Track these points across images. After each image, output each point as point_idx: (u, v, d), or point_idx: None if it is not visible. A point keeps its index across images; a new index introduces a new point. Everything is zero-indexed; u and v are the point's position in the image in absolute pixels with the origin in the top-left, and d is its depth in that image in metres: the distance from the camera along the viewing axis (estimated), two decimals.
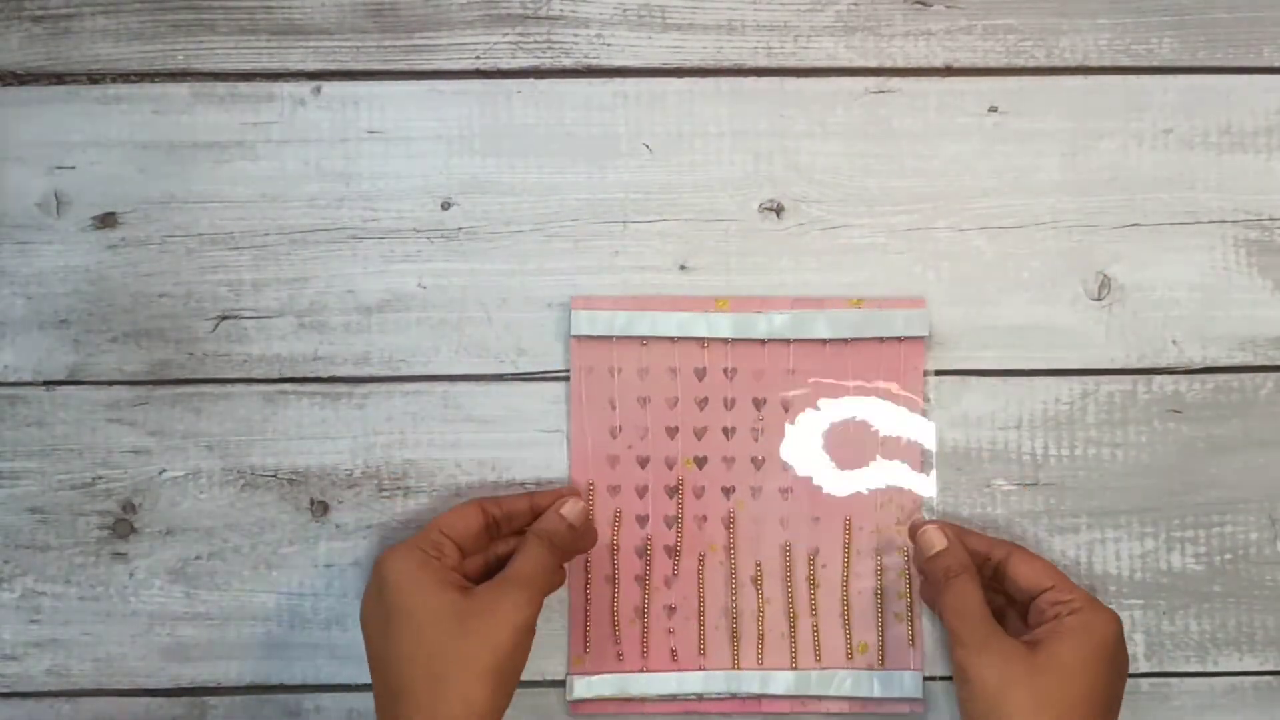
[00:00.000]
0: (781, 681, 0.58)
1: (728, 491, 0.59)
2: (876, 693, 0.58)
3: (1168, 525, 0.60)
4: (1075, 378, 0.60)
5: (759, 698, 0.59)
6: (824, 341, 0.59)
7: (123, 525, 0.59)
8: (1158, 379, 0.60)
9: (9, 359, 0.59)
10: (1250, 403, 0.60)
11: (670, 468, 0.59)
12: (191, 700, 0.59)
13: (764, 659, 0.59)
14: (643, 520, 0.59)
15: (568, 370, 0.59)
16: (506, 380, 0.60)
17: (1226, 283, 0.60)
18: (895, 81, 0.60)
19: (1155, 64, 0.60)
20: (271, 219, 0.60)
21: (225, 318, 0.60)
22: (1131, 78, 0.60)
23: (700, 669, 0.59)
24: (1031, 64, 0.60)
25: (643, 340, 0.59)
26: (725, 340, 0.59)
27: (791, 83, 0.60)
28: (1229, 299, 0.60)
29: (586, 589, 0.59)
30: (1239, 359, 0.60)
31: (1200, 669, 0.60)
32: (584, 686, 0.58)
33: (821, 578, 0.59)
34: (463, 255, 0.60)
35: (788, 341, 0.59)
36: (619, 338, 0.59)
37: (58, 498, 0.59)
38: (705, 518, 0.59)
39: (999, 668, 0.52)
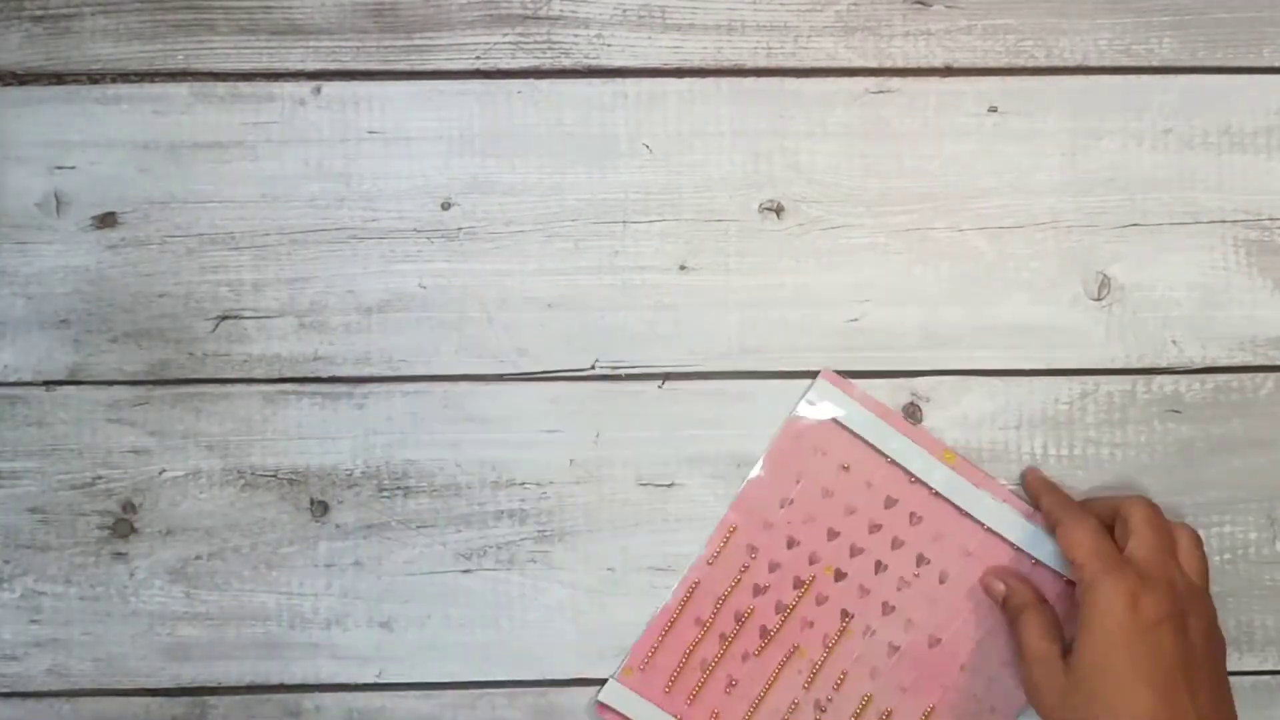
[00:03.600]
0: None
1: (846, 615, 0.59)
2: None
3: None
4: (1075, 378, 0.60)
5: None
6: (1011, 546, 0.58)
7: (123, 525, 0.59)
8: (1158, 379, 0.60)
9: (9, 359, 0.59)
10: (1250, 403, 0.60)
11: (810, 564, 0.59)
12: (191, 700, 0.59)
13: None
14: (759, 590, 0.59)
15: (567, 370, 0.59)
16: (506, 380, 0.60)
17: (1226, 283, 0.60)
18: (895, 81, 0.60)
19: (1155, 64, 0.61)
20: (271, 219, 0.60)
21: (225, 318, 0.60)
22: (1131, 78, 0.61)
23: None
24: (1031, 64, 0.60)
25: (861, 441, 0.59)
26: (931, 489, 0.58)
27: (791, 83, 0.60)
28: (1229, 299, 0.60)
29: (677, 615, 0.59)
30: (1239, 359, 0.60)
31: None
32: (619, 697, 0.58)
33: None
34: (463, 255, 0.60)
35: (984, 526, 0.58)
36: (839, 422, 0.59)
37: (58, 498, 0.59)
38: (813, 624, 0.59)
39: (1057, 694, 0.52)
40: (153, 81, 0.60)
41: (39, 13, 0.60)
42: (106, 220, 0.60)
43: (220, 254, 0.60)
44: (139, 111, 0.60)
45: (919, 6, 0.60)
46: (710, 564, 0.59)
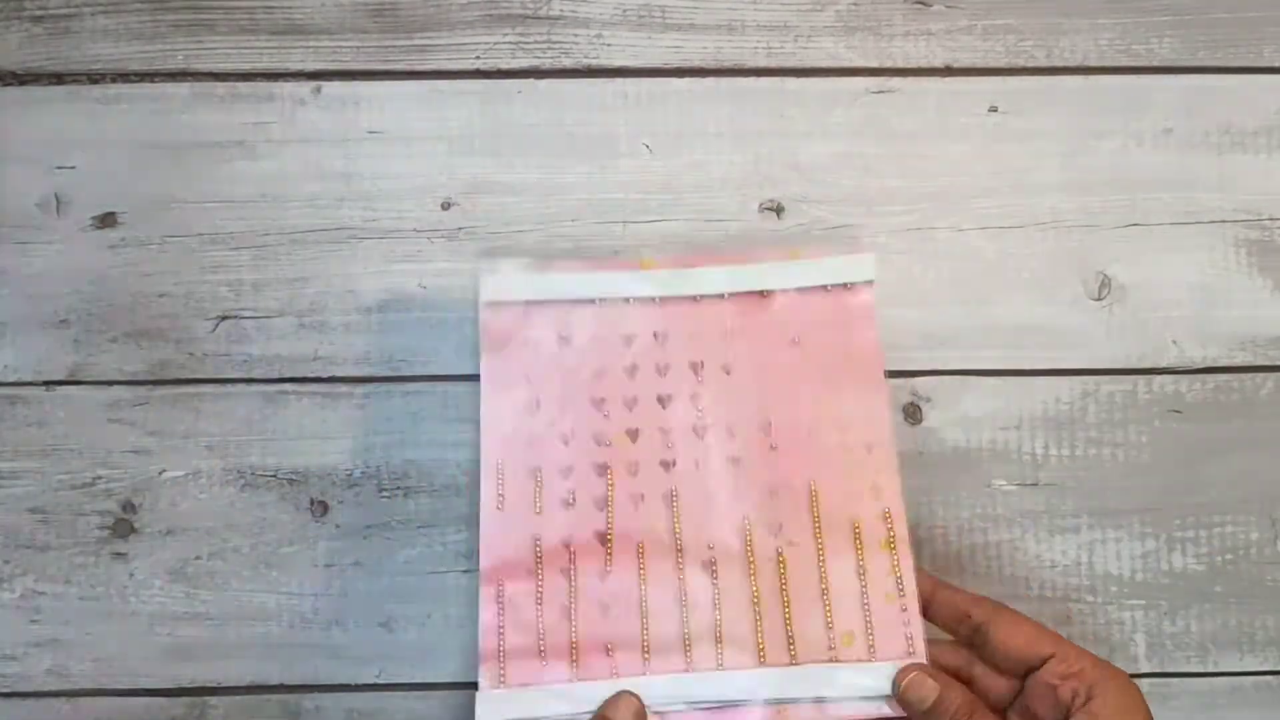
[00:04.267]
0: (748, 684, 0.49)
1: (667, 465, 0.52)
2: (869, 691, 0.49)
3: (1168, 525, 0.60)
4: (1075, 378, 0.60)
5: (720, 705, 0.49)
6: (762, 294, 0.53)
7: (123, 525, 0.59)
8: (1158, 379, 0.60)
9: (9, 359, 0.59)
10: (1250, 403, 0.60)
11: (599, 444, 0.52)
12: (191, 700, 0.59)
13: (724, 660, 0.50)
14: (567, 504, 0.52)
15: None
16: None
17: (1226, 283, 0.60)
18: (895, 81, 0.60)
19: (1155, 64, 0.60)
20: (271, 219, 0.60)
21: (225, 318, 0.60)
22: (1131, 78, 0.60)
23: (644, 674, 0.50)
24: (1031, 64, 0.60)
25: (561, 304, 0.53)
26: (654, 299, 0.53)
27: (791, 83, 0.60)
28: (1229, 299, 0.60)
29: (500, 588, 0.51)
30: (1239, 359, 0.60)
31: (1201, 669, 0.60)
32: (495, 706, 0.49)
33: (790, 556, 0.51)
34: (463, 255, 0.60)
35: (722, 296, 0.53)
36: (533, 302, 0.53)
37: (58, 498, 0.59)
38: (643, 496, 0.52)
39: None
40: (153, 81, 0.60)
41: (39, 13, 0.60)
42: (106, 220, 0.60)
43: (220, 254, 0.60)
44: (139, 111, 0.60)
45: (919, 6, 0.60)
46: (500, 518, 0.52)
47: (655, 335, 0.53)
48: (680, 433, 0.52)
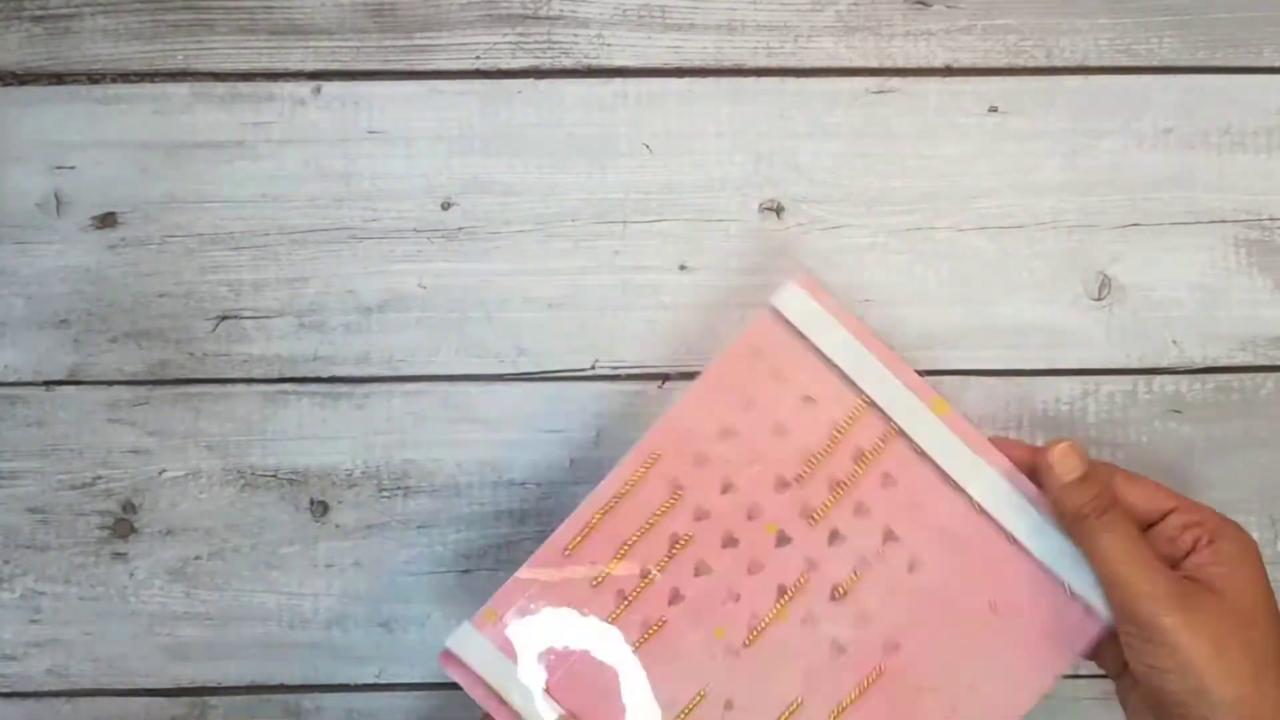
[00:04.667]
0: None
1: (783, 593, 0.47)
2: None
3: None
4: (1075, 378, 0.60)
5: None
6: (1010, 538, 0.46)
7: (123, 525, 0.59)
8: (1158, 379, 0.60)
9: (9, 359, 0.59)
10: (1251, 403, 0.60)
11: (749, 519, 0.47)
12: (191, 700, 0.59)
13: None
14: (677, 542, 0.47)
15: (567, 370, 0.59)
16: (506, 380, 0.60)
17: (1227, 283, 0.60)
18: (895, 81, 0.60)
19: (1155, 64, 0.60)
20: (271, 219, 0.60)
21: (225, 318, 0.60)
22: (1131, 78, 0.60)
23: None
24: (1031, 64, 0.60)
25: (832, 369, 0.47)
26: (915, 448, 0.46)
27: (791, 83, 0.60)
28: (1229, 299, 0.60)
29: (567, 556, 0.47)
30: (1239, 359, 0.60)
31: None
32: (468, 642, 0.47)
33: None
34: (463, 255, 0.60)
35: (971, 501, 0.46)
36: (808, 343, 0.47)
37: (58, 498, 0.59)
38: (739, 598, 0.47)
39: (1211, 626, 0.44)
40: (153, 81, 0.60)
41: (39, 13, 0.60)
42: (106, 220, 0.60)
43: (220, 254, 0.60)
44: (139, 111, 0.60)
45: (919, 6, 0.60)
46: (615, 502, 0.47)
47: (884, 477, 0.47)
48: (820, 578, 0.47)
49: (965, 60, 0.60)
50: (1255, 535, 0.59)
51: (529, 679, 0.47)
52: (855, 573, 0.46)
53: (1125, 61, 0.60)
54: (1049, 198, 0.60)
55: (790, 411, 0.47)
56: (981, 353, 0.60)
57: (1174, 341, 0.60)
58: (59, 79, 0.60)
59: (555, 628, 0.47)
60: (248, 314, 0.60)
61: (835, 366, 0.47)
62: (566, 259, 0.60)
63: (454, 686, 0.59)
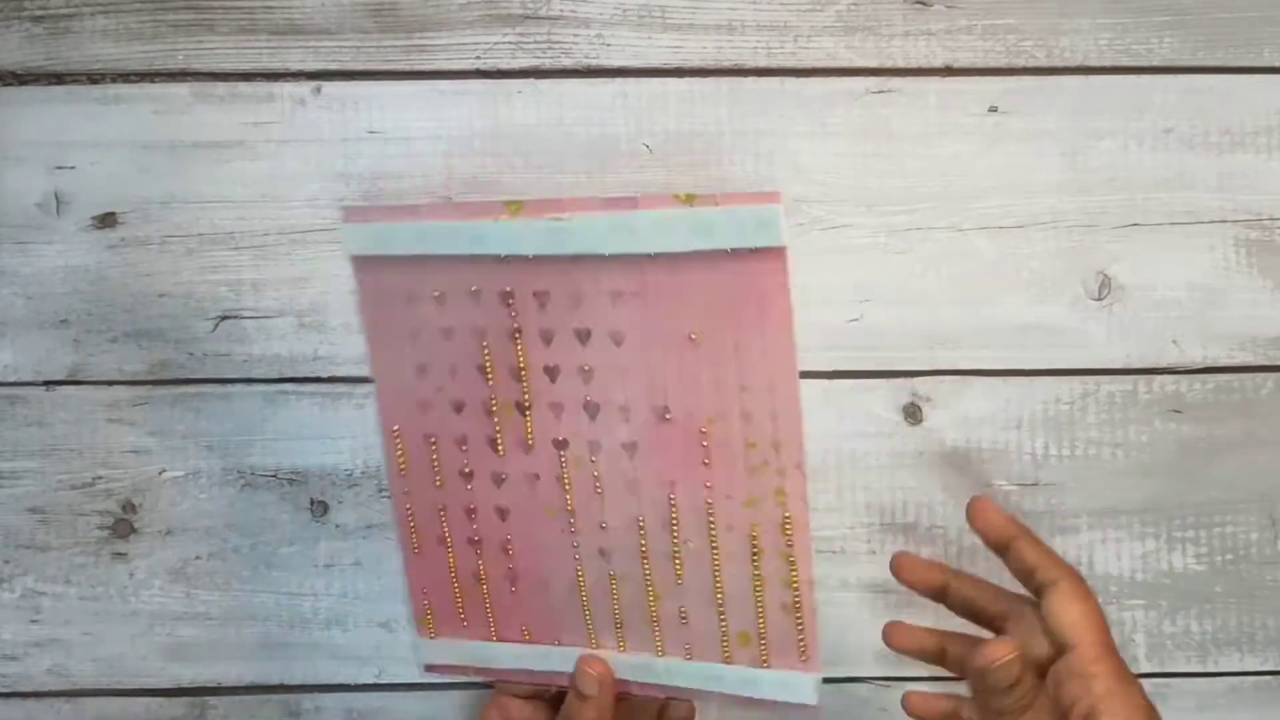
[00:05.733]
0: (649, 670, 0.49)
1: (560, 445, 0.48)
2: (763, 694, 0.48)
3: (1168, 525, 0.60)
4: (1075, 378, 0.60)
5: (635, 683, 0.49)
6: (652, 257, 0.45)
7: (123, 525, 0.59)
8: (1158, 379, 0.60)
9: (9, 359, 0.59)
10: (1250, 403, 0.60)
11: (489, 414, 0.48)
12: (191, 700, 0.59)
13: (625, 643, 0.49)
14: (467, 476, 0.49)
15: None
16: None
17: (1226, 283, 0.60)
18: (895, 81, 0.60)
19: (1155, 64, 0.60)
20: (271, 219, 0.60)
21: (225, 318, 0.60)
22: (1131, 78, 0.60)
23: (557, 644, 0.50)
24: (1031, 64, 0.60)
25: (431, 259, 0.47)
26: (529, 258, 0.46)
27: (791, 83, 0.60)
28: (1229, 299, 0.60)
29: (416, 550, 0.51)
30: (1239, 359, 0.60)
31: (1201, 669, 0.60)
32: (433, 651, 0.51)
33: (684, 556, 0.48)
34: None
35: (604, 257, 0.45)
36: (406, 257, 0.48)
37: (58, 498, 0.59)
38: (538, 476, 0.49)
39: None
40: (153, 81, 0.60)
41: (39, 13, 0.60)
42: (106, 220, 0.60)
43: (220, 254, 0.60)
44: (139, 111, 0.60)
45: (919, 6, 0.60)
46: (406, 484, 0.50)
47: (535, 295, 0.47)
48: (571, 410, 0.48)
49: (965, 60, 0.60)
50: (1255, 535, 0.60)
51: (489, 640, 0.51)
52: (586, 383, 0.47)
53: (1125, 61, 0.60)
54: (1048, 198, 0.60)
55: (439, 313, 0.48)
56: (981, 353, 0.60)
57: (1174, 341, 0.60)
58: (59, 79, 0.60)
59: (461, 604, 0.51)
60: (248, 314, 0.60)
61: (425, 256, 0.47)
62: None
63: (453, 687, 0.59)
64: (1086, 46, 0.60)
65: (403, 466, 0.50)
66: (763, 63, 0.60)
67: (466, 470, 0.49)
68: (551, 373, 0.48)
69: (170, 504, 0.59)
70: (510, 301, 0.47)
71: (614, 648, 0.49)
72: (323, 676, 0.59)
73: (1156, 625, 0.60)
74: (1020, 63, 0.60)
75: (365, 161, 0.60)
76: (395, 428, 0.50)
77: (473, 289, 0.47)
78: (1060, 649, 0.47)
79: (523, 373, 0.48)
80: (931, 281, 0.60)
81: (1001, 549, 0.50)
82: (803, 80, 0.60)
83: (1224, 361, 0.60)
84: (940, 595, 0.51)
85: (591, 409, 0.48)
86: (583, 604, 0.49)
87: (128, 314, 0.60)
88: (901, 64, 0.60)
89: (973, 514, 0.51)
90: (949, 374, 0.60)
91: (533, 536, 0.49)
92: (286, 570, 0.59)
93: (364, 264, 0.48)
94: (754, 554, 0.47)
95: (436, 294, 0.48)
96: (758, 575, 0.47)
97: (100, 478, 0.59)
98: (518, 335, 0.47)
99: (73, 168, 0.60)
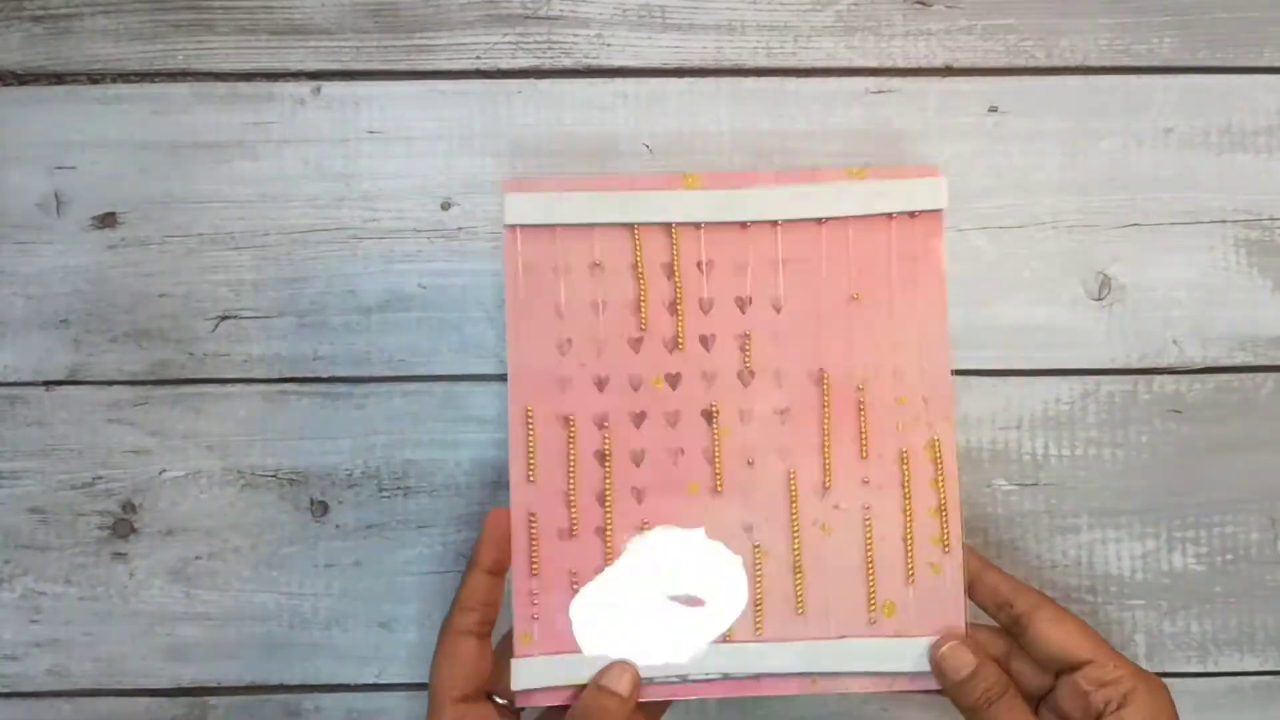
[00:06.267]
0: (785, 658, 0.48)
1: (709, 416, 0.49)
2: (906, 666, 0.48)
3: (1168, 525, 0.60)
4: (1075, 378, 0.60)
5: (757, 677, 0.48)
6: (820, 221, 0.49)
7: (123, 525, 0.59)
8: (1158, 379, 0.60)
9: (9, 359, 0.59)
10: (1251, 403, 0.60)
11: (635, 389, 0.49)
12: (191, 700, 0.59)
13: (763, 629, 0.48)
14: (602, 457, 0.49)
15: None
16: (506, 380, 0.59)
17: (1227, 283, 0.60)
18: (895, 81, 0.60)
19: (1155, 64, 0.60)
20: (271, 219, 0.60)
21: (225, 318, 0.60)
22: (1131, 78, 0.60)
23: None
24: (1031, 64, 0.60)
25: (594, 229, 0.49)
26: (697, 225, 0.48)
27: (791, 83, 0.60)
28: (1229, 299, 0.60)
29: (534, 549, 0.49)
30: (1239, 359, 0.60)
31: (1201, 669, 0.60)
32: (530, 672, 0.48)
33: (836, 523, 0.49)
34: (463, 255, 0.60)
35: (774, 223, 0.48)
36: (564, 226, 0.49)
37: (58, 498, 0.59)
38: (682, 450, 0.49)
39: None
40: (153, 81, 0.60)
41: (39, 13, 0.60)
42: (106, 220, 0.60)
43: (220, 254, 0.60)
44: (139, 111, 0.60)
45: (919, 6, 0.60)
46: (531, 469, 0.49)
47: (699, 265, 0.49)
48: (725, 380, 0.49)
49: (965, 60, 0.60)
50: (1255, 535, 0.59)
51: (599, 651, 0.48)
52: (743, 350, 0.49)
53: (1125, 61, 0.60)
54: (1049, 198, 0.60)
55: (592, 286, 0.49)
56: (981, 353, 0.60)
57: (1174, 341, 0.60)
58: (59, 79, 0.60)
59: (577, 602, 0.49)
60: (248, 314, 0.60)
61: (589, 225, 0.49)
62: None
63: None
64: (1086, 46, 0.60)
65: (531, 450, 0.49)
66: (763, 63, 0.60)
67: (603, 452, 0.49)
68: (706, 342, 0.49)
69: (170, 504, 0.59)
70: (672, 273, 0.49)
71: (750, 633, 0.48)
72: (323, 676, 0.59)
73: (1156, 625, 0.60)
74: (1020, 63, 0.60)
75: (365, 161, 0.60)
76: (529, 409, 0.49)
77: (632, 262, 0.49)
78: (1071, 667, 0.49)
79: (679, 342, 0.49)
80: None
81: (968, 585, 0.51)
82: (803, 80, 0.60)
83: (1224, 361, 0.60)
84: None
85: (745, 376, 0.49)
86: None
87: (128, 314, 0.60)
88: (901, 64, 0.60)
89: None
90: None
91: (671, 518, 0.49)
92: (286, 570, 0.59)
93: (520, 234, 0.49)
94: (906, 510, 0.48)
95: (593, 264, 0.49)
96: (909, 535, 0.48)
97: (100, 478, 0.59)
98: (677, 305, 0.49)
99: (73, 168, 0.60)
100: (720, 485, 0.49)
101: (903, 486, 0.49)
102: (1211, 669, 0.60)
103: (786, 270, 0.49)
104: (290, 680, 0.59)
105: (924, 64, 0.60)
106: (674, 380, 0.49)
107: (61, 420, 0.59)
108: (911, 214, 0.49)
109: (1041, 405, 0.60)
